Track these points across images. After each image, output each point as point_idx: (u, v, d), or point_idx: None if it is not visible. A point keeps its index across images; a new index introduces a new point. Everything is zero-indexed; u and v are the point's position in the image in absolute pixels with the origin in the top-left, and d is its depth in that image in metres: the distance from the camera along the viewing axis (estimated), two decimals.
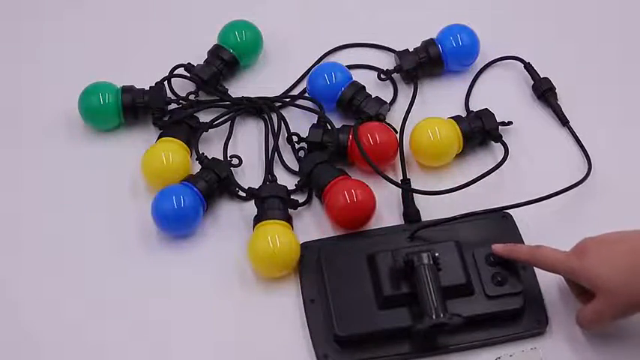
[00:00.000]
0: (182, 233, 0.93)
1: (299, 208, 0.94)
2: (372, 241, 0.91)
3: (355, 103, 0.99)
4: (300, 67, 1.06)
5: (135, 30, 1.12)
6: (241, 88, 1.05)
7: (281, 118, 1.01)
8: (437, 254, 0.84)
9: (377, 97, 1.00)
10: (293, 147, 0.99)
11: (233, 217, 0.95)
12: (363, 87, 1.00)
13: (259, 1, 1.13)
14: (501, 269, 0.86)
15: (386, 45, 1.08)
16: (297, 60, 1.07)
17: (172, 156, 0.95)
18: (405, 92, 1.04)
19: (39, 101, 1.05)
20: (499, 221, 0.91)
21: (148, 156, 0.96)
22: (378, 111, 0.99)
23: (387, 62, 1.07)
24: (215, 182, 0.94)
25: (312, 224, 0.94)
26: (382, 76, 1.05)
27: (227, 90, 1.04)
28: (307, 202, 0.96)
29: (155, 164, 0.95)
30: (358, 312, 0.85)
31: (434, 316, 0.81)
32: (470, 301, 0.85)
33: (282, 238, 0.88)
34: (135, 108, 1.00)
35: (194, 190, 0.92)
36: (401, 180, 0.95)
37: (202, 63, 1.04)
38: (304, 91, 1.03)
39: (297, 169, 0.98)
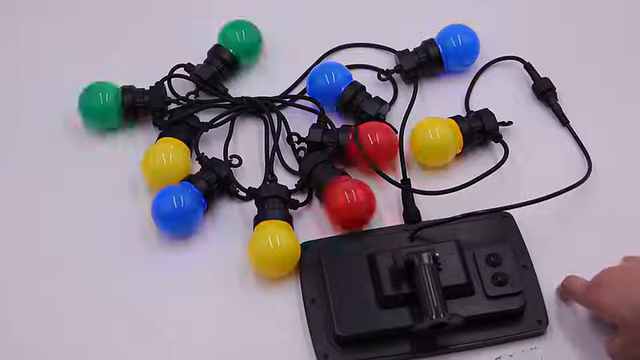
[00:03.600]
0: (182, 233, 0.93)
1: (299, 208, 0.94)
2: (372, 241, 0.90)
3: (355, 103, 0.99)
4: (300, 67, 1.06)
5: (135, 30, 1.12)
6: (241, 88, 1.05)
7: (281, 118, 1.01)
8: (437, 254, 0.84)
9: (377, 97, 1.00)
10: (293, 147, 0.99)
11: (233, 217, 0.95)
12: (363, 87, 1.00)
13: (259, 1, 1.13)
14: (502, 269, 0.86)
15: (386, 45, 1.08)
16: (297, 60, 1.07)
17: (172, 156, 0.95)
18: (405, 92, 1.04)
19: (39, 101, 1.05)
20: (499, 221, 0.91)
21: (148, 156, 0.96)
22: (378, 111, 0.99)
23: (387, 62, 1.07)
24: (215, 182, 0.94)
25: (312, 224, 0.94)
26: (382, 76, 1.05)
27: (227, 90, 1.04)
28: (307, 202, 0.96)
29: (155, 164, 0.95)
30: (358, 312, 0.85)
31: (434, 316, 0.81)
32: (470, 301, 0.85)
33: (282, 238, 0.88)
34: (135, 108, 1.00)
35: (194, 190, 0.92)
36: (401, 180, 0.95)
37: (202, 63, 1.04)
38: (304, 91, 1.03)
39: (297, 169, 0.97)
